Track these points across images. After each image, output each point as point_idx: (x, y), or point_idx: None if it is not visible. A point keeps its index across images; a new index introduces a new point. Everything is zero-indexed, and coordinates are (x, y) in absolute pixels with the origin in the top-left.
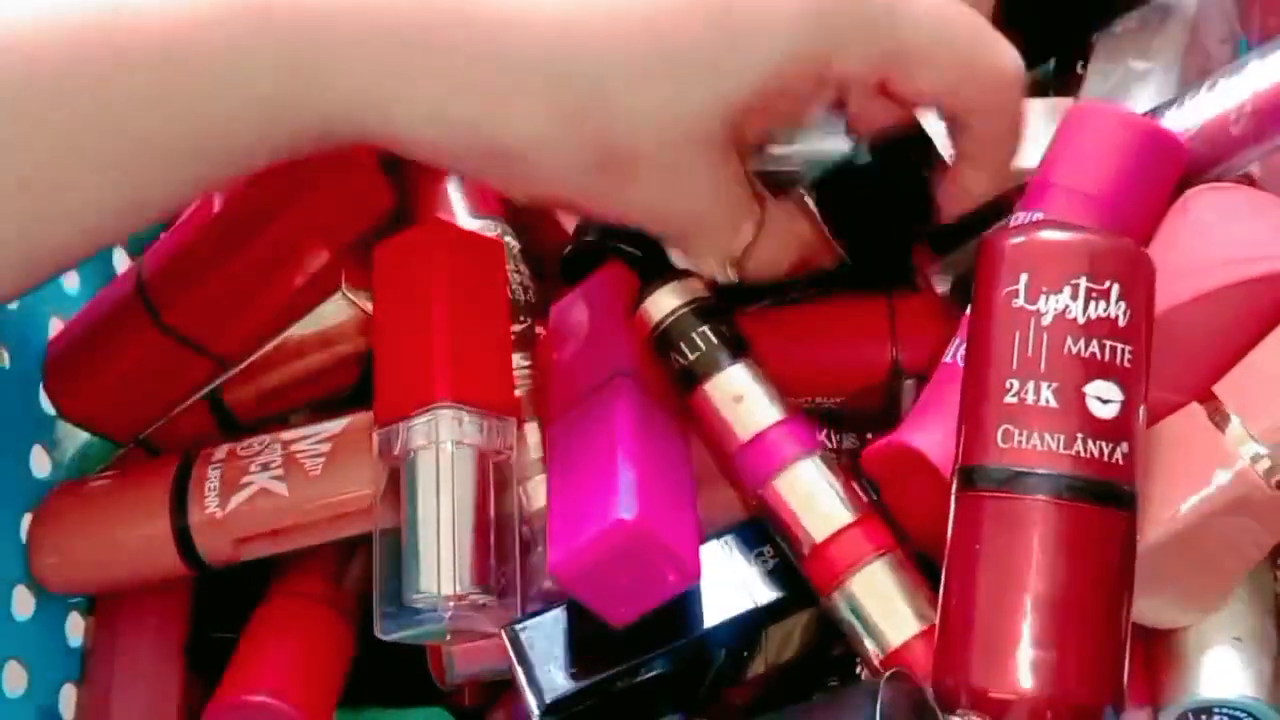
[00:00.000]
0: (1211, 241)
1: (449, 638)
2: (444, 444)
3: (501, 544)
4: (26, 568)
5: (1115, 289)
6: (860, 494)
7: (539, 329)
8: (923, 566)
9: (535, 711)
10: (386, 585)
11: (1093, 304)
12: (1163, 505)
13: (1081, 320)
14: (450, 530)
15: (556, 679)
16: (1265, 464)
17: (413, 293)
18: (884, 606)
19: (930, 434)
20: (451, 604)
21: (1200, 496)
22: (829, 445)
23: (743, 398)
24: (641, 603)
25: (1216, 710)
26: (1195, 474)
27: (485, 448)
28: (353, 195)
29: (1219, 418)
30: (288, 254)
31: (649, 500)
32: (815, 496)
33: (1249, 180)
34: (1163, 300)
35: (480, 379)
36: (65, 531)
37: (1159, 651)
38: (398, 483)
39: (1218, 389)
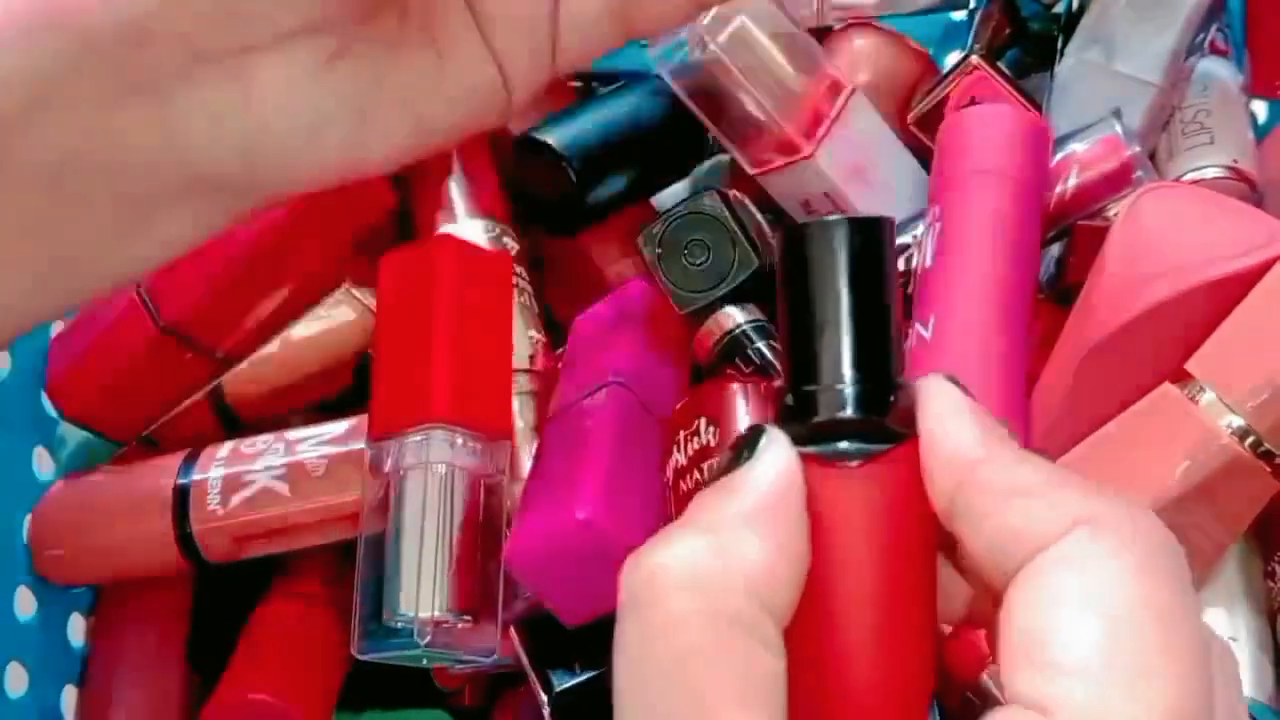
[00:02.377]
0: (1165, 248)
1: (426, 661)
2: (435, 465)
3: (487, 569)
4: (29, 569)
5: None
6: None
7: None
8: None
9: (545, 701)
10: (367, 603)
11: None
12: (1144, 485)
13: None
14: (434, 553)
15: (565, 669)
16: (1243, 432)
17: (415, 307)
18: None
19: None
20: (430, 626)
21: (1182, 472)
22: None
23: None
24: (593, 605)
25: None
26: (1175, 451)
27: (478, 470)
28: (352, 193)
29: (1194, 393)
30: (287, 252)
31: (611, 503)
32: None
33: (1249, 181)
34: (1121, 311)
35: (478, 400)
36: (68, 524)
37: None
38: (386, 499)
39: (1190, 365)
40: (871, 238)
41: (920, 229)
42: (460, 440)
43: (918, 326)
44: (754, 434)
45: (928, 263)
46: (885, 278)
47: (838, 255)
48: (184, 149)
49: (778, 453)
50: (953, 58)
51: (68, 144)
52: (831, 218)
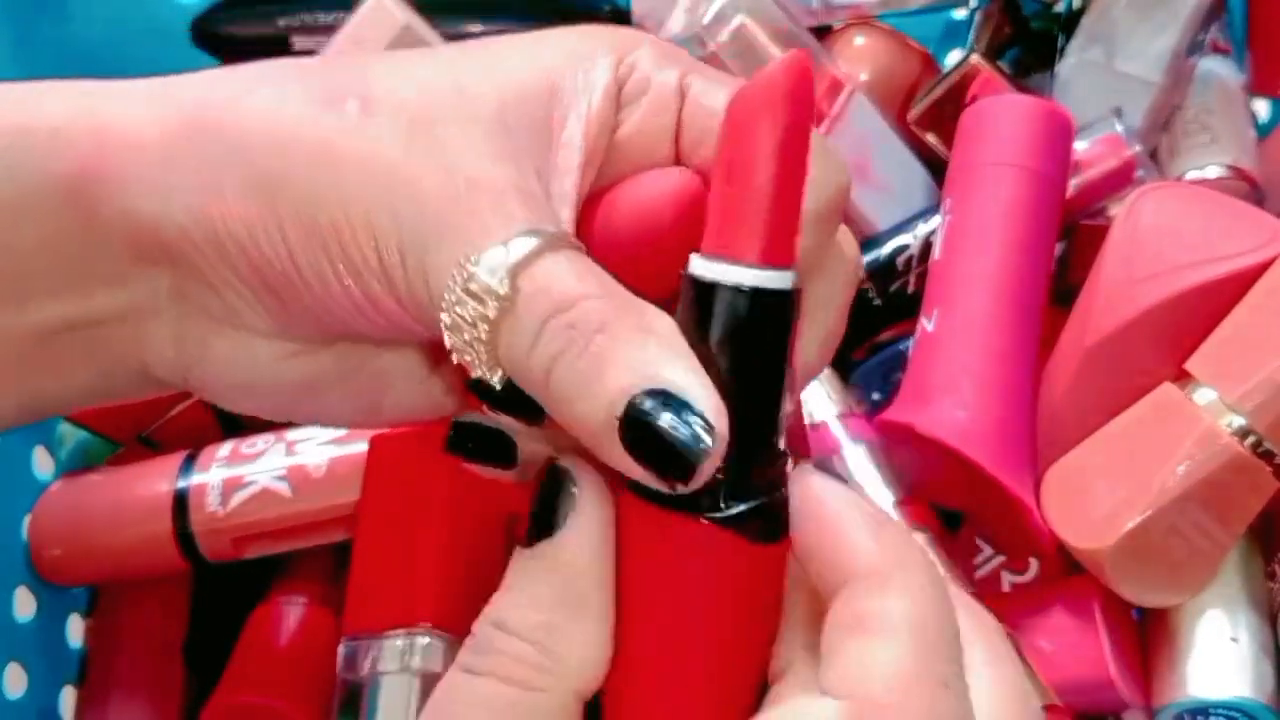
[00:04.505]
0: (1165, 248)
1: None
2: (416, 674)
3: None
4: (28, 569)
5: None
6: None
7: None
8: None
9: None
10: None
11: None
12: (1144, 485)
13: None
14: None
15: None
16: (1243, 432)
17: (407, 495)
18: None
19: (916, 407)
20: None
21: (1182, 472)
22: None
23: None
24: None
25: (1213, 711)
26: (1175, 451)
27: None
28: None
29: (1194, 392)
30: None
31: None
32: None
33: (1250, 180)
34: (1121, 310)
35: (469, 604)
36: (68, 524)
37: (1156, 652)
38: (357, 704)
39: (1189, 365)
40: (760, 311)
41: (919, 228)
42: (447, 647)
43: (922, 319)
44: (555, 483)
45: (937, 255)
46: (771, 352)
47: (723, 321)
48: (145, 350)
49: (586, 521)
50: (953, 56)
51: (54, 314)
52: (727, 282)
